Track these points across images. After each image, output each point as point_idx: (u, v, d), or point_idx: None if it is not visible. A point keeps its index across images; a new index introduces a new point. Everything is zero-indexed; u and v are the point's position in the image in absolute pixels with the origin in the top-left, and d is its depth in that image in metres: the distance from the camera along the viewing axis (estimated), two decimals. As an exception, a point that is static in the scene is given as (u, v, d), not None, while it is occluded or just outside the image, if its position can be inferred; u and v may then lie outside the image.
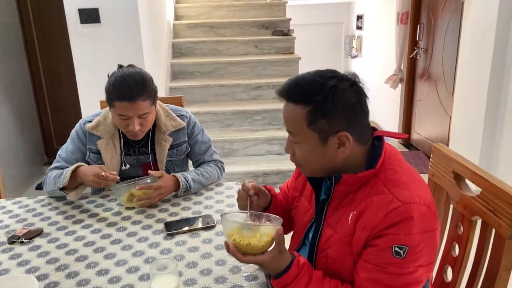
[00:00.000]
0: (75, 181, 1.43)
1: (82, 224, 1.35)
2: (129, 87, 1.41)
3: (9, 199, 1.55)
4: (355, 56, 5.62)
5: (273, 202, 1.19)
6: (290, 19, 4.28)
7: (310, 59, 4.81)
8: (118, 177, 1.40)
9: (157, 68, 3.21)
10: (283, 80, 3.65)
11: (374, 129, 0.98)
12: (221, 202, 1.48)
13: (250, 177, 3.00)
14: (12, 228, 1.32)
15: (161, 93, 3.31)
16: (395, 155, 0.97)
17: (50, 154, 3.89)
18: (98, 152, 1.57)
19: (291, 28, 4.22)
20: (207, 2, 4.56)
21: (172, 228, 1.29)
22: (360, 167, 0.95)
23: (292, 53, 4.03)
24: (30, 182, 3.56)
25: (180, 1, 4.56)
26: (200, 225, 1.30)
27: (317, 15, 5.79)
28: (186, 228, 1.28)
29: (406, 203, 0.86)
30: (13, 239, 1.24)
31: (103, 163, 1.57)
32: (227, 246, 0.93)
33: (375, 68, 4.94)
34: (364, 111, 0.95)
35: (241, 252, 0.91)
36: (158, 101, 1.63)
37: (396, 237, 0.86)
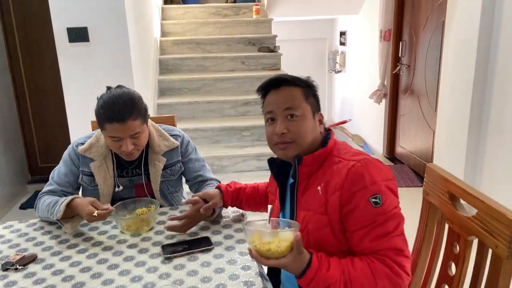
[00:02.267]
0: (70, 212, 1.40)
1: (77, 248, 1.32)
2: (118, 108, 1.40)
3: (-1, 223, 1.52)
4: (339, 71, 5.72)
5: (227, 197, 1.46)
6: (276, 36, 4.34)
7: (295, 74, 4.88)
8: (113, 209, 1.37)
9: (145, 85, 3.21)
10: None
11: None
12: (217, 223, 1.48)
13: (240, 193, 3.00)
14: (5, 254, 1.29)
15: (150, 110, 3.29)
16: (344, 143, 1.20)
17: (34, 173, 3.81)
18: (91, 175, 1.56)
19: (277, 44, 4.28)
20: (193, 19, 4.59)
21: (169, 251, 1.27)
22: (315, 150, 1.16)
23: (278, 69, 4.08)
24: (14, 201, 3.48)
25: (166, 18, 4.58)
26: (197, 248, 1.29)
27: (301, 31, 5.88)
28: (184, 252, 1.27)
29: (359, 160, 1.06)
30: (7, 266, 1.21)
31: (96, 185, 1.56)
32: (250, 252, 1.00)
33: (359, 83, 5.04)
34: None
35: (263, 257, 0.98)
36: (150, 121, 1.62)
37: (366, 190, 1.01)
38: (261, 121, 3.50)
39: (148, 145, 1.58)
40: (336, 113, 6.02)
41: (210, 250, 1.29)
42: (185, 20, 4.47)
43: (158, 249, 1.30)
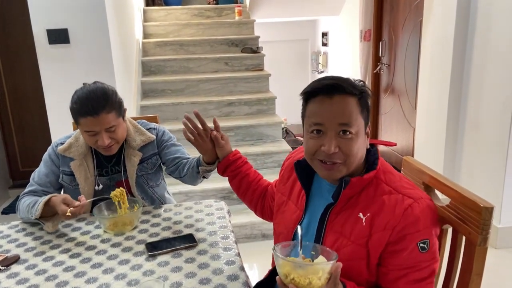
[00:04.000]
0: (49, 211, 1.40)
1: (60, 249, 1.32)
2: (90, 102, 1.42)
3: (-20, 226, 1.51)
4: (322, 72, 5.78)
5: (233, 156, 1.37)
6: (258, 37, 4.37)
7: (279, 75, 4.92)
8: (86, 202, 1.37)
9: (127, 87, 3.19)
10: (254, 96, 3.74)
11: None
12: (201, 220, 1.49)
13: (225, 193, 3.01)
14: (-14, 256, 1.28)
15: (133, 111, 3.28)
16: (385, 162, 1.08)
17: (15, 177, 3.75)
18: (71, 174, 1.57)
19: (260, 45, 4.30)
20: (175, 20, 4.59)
21: (153, 249, 1.28)
22: (360, 170, 1.04)
23: (262, 69, 4.11)
24: (-6, 206, 3.42)
25: (148, 20, 4.57)
26: (182, 245, 1.31)
27: (283, 32, 5.92)
28: (168, 249, 1.28)
29: (417, 199, 0.96)
30: (-12, 268, 1.20)
31: (77, 185, 1.57)
32: (281, 283, 0.91)
33: (342, 83, 5.10)
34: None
35: None
36: (128, 117, 1.64)
37: (418, 234, 0.94)
38: (245, 121, 3.52)
39: (125, 141, 1.61)
40: (319, 113, 6.06)
41: (194, 246, 1.30)
42: (167, 22, 4.46)
43: (142, 247, 1.31)
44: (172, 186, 3.06)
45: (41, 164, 1.61)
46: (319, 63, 5.80)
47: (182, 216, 1.52)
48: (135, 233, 1.41)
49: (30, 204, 1.45)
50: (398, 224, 0.94)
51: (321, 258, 0.93)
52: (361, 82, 1.03)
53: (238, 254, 1.27)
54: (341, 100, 0.98)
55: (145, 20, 4.55)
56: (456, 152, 2.93)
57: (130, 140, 1.60)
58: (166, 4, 5.10)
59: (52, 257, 1.27)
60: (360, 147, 1.00)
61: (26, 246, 1.34)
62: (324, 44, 5.62)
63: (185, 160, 1.61)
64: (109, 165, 1.62)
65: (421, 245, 0.94)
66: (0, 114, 3.61)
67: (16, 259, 1.25)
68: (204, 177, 1.54)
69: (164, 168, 1.72)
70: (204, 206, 1.61)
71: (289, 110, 6.03)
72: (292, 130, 5.67)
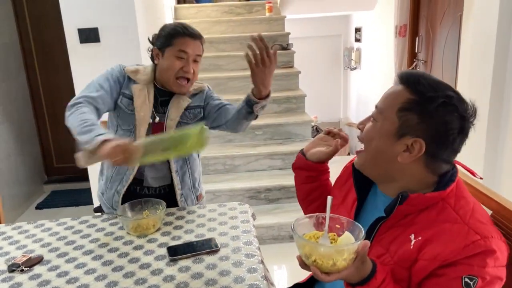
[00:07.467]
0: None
1: (83, 250, 1.32)
2: (192, 28, 1.55)
3: (8, 224, 1.53)
4: (354, 68, 5.64)
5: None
6: (289, 33, 4.29)
7: (309, 71, 4.82)
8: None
9: (157, 85, 3.20)
10: (283, 94, 3.68)
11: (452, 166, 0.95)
12: (225, 223, 1.45)
13: (252, 193, 2.97)
14: (12, 256, 1.29)
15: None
16: (463, 186, 0.94)
17: (49, 173, 3.87)
18: (130, 98, 1.57)
19: (290, 42, 4.23)
20: (206, 18, 4.58)
21: (175, 253, 1.26)
22: (426, 188, 0.92)
23: (291, 67, 4.04)
24: (30, 201, 3.53)
25: (179, 18, 4.58)
26: (203, 250, 1.27)
27: (315, 28, 5.82)
28: (189, 254, 1.25)
29: (484, 237, 0.82)
30: (13, 268, 1.21)
31: (133, 110, 1.56)
32: (302, 264, 0.84)
33: (375, 80, 4.95)
34: (454, 145, 0.91)
35: (324, 273, 0.81)
36: None
37: (469, 268, 0.81)
38: (273, 120, 3.46)
39: None
40: (351, 111, 5.93)
41: (216, 252, 1.27)
42: (198, 19, 4.46)
43: (163, 251, 1.29)
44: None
45: (100, 78, 1.55)
46: (352, 59, 5.65)
47: (206, 219, 1.49)
48: (158, 236, 1.38)
49: (85, 123, 1.36)
50: (452, 258, 0.82)
51: (346, 235, 0.84)
52: (448, 94, 0.89)
53: (261, 261, 1.23)
54: (397, 89, 0.93)
55: (176, 18, 4.56)
56: (497, 156, 2.75)
57: None
58: (197, 1, 5.11)
59: (75, 259, 1.27)
60: (375, 138, 0.94)
61: (50, 246, 1.35)
62: (357, 40, 5.47)
63: (229, 106, 1.65)
64: (159, 99, 1.61)
65: (466, 280, 0.81)
66: (35, 110, 3.72)
67: (39, 260, 1.25)
68: (256, 116, 1.55)
69: (208, 124, 1.68)
70: (228, 209, 1.57)
71: (320, 108, 5.94)
72: (322, 128, 5.55)
